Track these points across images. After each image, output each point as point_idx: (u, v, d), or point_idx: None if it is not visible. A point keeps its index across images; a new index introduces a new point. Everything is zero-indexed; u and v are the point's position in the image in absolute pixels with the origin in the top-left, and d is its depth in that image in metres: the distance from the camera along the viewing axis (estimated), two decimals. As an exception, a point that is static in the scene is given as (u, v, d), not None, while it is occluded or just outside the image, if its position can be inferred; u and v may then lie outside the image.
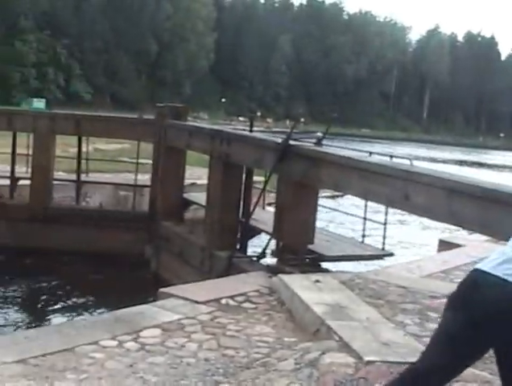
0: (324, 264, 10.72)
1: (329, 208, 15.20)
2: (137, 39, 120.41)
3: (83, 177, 18.00)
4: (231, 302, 7.97)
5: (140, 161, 17.06)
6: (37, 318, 12.64)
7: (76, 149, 17.58)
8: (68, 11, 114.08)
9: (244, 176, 13.19)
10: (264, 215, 13.44)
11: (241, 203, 13.17)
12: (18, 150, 17.41)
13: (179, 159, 15.51)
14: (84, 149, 18.29)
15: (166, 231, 15.03)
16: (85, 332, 6.79)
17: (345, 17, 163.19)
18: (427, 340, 5.66)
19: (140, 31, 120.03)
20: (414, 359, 5.60)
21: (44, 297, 13.69)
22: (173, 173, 15.43)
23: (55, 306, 13.14)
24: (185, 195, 15.93)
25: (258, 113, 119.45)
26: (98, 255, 15.41)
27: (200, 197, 15.96)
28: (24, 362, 5.93)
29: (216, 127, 16.82)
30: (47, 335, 6.74)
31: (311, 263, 10.55)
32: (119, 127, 16.84)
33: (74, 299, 13.57)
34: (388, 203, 9.46)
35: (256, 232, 13.16)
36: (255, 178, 14.02)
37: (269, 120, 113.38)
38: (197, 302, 7.87)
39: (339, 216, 19.20)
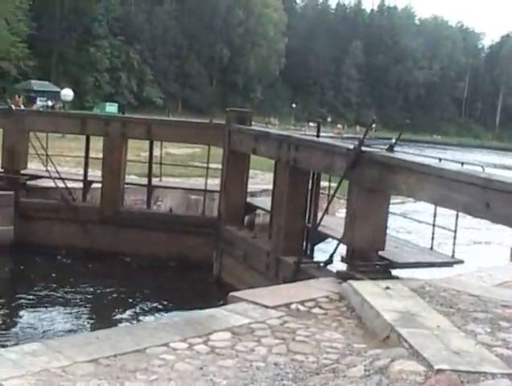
0: (394, 271, 10.61)
1: (398, 215, 15.04)
2: (209, 44, 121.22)
3: (155, 181, 18.14)
4: (301, 308, 7.96)
5: (211, 165, 17.10)
6: (105, 319, 12.80)
7: (148, 154, 17.72)
8: (141, 17, 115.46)
9: (311, 182, 13.13)
10: (331, 220, 13.37)
11: (308, 208, 13.11)
12: (95, 154, 17.60)
13: (243, 164, 15.51)
14: (157, 153, 18.43)
15: (230, 235, 15.05)
16: (156, 334, 6.84)
17: (417, 22, 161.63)
18: (499, 350, 5.57)
19: (212, 37, 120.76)
20: (484, 369, 5.55)
21: (112, 298, 13.86)
22: (237, 177, 15.44)
23: (123, 308, 13.29)
24: (248, 200, 15.92)
25: (329, 119, 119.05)
26: (167, 259, 15.55)
27: (264, 201, 15.97)
28: (96, 362, 6.01)
29: (283, 132, 16.79)
30: (118, 336, 6.81)
31: (381, 269, 10.46)
32: (189, 132, 16.91)
33: (141, 302, 13.70)
34: (466, 211, 9.28)
35: (322, 237, 13.09)
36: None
37: (339, 126, 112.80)
38: (267, 307, 7.87)
39: (399, 222, 18.96)
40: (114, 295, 14.02)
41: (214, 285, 14.86)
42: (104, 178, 16.85)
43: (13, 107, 18.33)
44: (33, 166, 17.85)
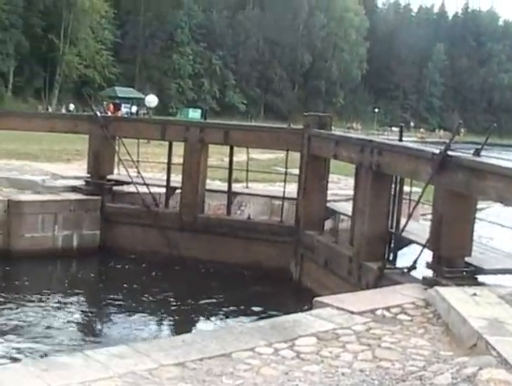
0: (480, 277, 10.42)
1: (485, 220, 14.76)
2: (290, 49, 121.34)
3: (239, 187, 18.19)
4: (386, 314, 7.89)
5: (293, 171, 17.03)
6: (188, 323, 12.88)
7: (233, 159, 17.72)
8: (223, 23, 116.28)
9: (393, 186, 12.99)
10: (414, 225, 13.19)
11: (391, 213, 12.97)
12: (179, 160, 17.71)
13: (323, 168, 15.41)
14: (241, 158, 18.45)
15: (310, 240, 14.97)
16: (242, 338, 6.87)
17: (501, 24, 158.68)
18: None
19: (293, 41, 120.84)
20: None
21: (193, 303, 13.95)
22: (317, 182, 15.34)
23: (204, 313, 13.36)
24: (328, 205, 15.81)
25: (412, 124, 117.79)
26: (244, 266, 15.57)
27: (344, 206, 15.84)
28: (182, 365, 6.07)
29: (365, 137, 16.55)
30: (204, 340, 6.86)
31: (468, 276, 10.28)
32: (267, 137, 16.84)
33: (222, 307, 13.75)
34: None
35: (405, 243, 12.93)
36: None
37: (422, 130, 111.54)
38: (352, 312, 7.83)
39: (484, 228, 18.53)
40: (194, 300, 14.11)
41: (295, 290, 14.83)
42: (183, 183, 16.95)
43: (98, 113, 18.62)
44: (122, 171, 18.08)
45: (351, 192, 15.46)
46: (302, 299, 12.30)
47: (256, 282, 14.97)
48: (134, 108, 73.57)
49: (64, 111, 73.49)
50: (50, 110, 76.27)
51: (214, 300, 14.08)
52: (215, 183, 18.67)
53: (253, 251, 16.00)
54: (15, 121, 20.16)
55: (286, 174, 16.52)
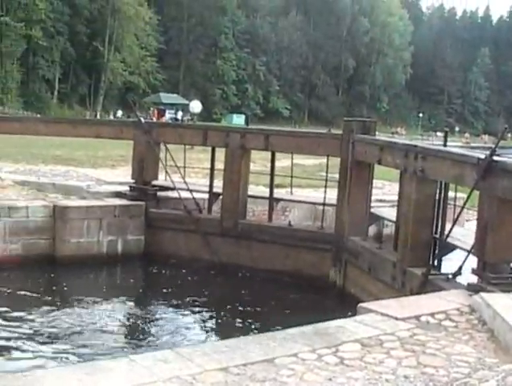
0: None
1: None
2: (334, 54, 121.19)
3: (283, 192, 18.17)
4: (431, 320, 7.82)
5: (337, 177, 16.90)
6: (230, 329, 12.87)
7: (276, 165, 17.69)
8: (267, 28, 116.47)
9: (438, 191, 12.88)
10: (459, 231, 13.07)
11: (435, 218, 12.87)
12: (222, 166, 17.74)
13: (367, 174, 15.32)
14: (286, 164, 18.38)
15: (354, 246, 14.89)
16: (285, 344, 6.86)
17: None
18: None
19: (337, 46, 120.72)
20: None
21: (234, 309, 13.95)
22: (361, 188, 15.25)
23: (246, 319, 13.34)
24: (372, 210, 15.70)
25: (456, 128, 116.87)
26: (283, 272, 15.55)
27: (388, 212, 15.73)
28: (226, 370, 6.08)
29: (410, 142, 16.40)
30: (247, 345, 6.86)
31: (514, 282, 10.16)
32: (307, 142, 16.75)
33: (263, 313, 13.73)
34: None
35: (450, 248, 12.81)
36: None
37: (467, 135, 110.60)
38: (396, 318, 7.78)
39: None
40: (235, 306, 14.12)
41: (338, 296, 14.77)
42: (224, 189, 16.95)
43: (142, 119, 18.76)
44: (172, 177, 18.16)
45: (395, 197, 15.36)
46: (345, 305, 12.25)
47: (297, 289, 14.94)
48: (180, 114, 73.96)
49: (112, 117, 74.28)
50: (99, 116, 77.06)
51: (255, 306, 14.08)
52: (259, 189, 18.68)
53: (294, 257, 15.96)
54: (62, 128, 20.42)
55: (326, 180, 16.43)
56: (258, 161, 20.55)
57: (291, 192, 18.34)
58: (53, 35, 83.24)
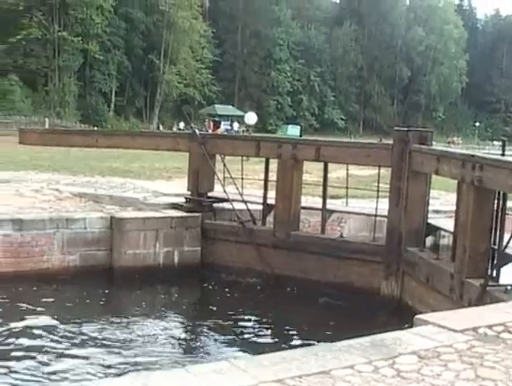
0: None
1: None
2: (389, 63, 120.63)
3: (338, 203, 18.09)
4: (489, 332, 7.70)
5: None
6: (283, 340, 12.85)
7: (332, 175, 17.66)
8: (321, 39, 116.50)
9: (496, 202, 12.70)
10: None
11: (494, 229, 12.69)
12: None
13: (423, 184, 15.16)
14: (341, 174, 18.28)
15: (411, 257, 14.73)
16: (341, 356, 6.81)
17: None
18: None
19: (392, 56, 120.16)
20: None
21: (289, 320, 13.95)
22: (417, 198, 15.08)
23: (300, 331, 13.31)
24: (429, 221, 15.52)
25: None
26: (337, 285, 15.45)
27: (445, 222, 15.55)
28: (281, 382, 6.05)
29: (467, 152, 16.24)
30: (303, 357, 6.83)
31: None
32: (358, 153, 16.60)
33: (317, 325, 13.68)
34: None
35: (508, 259, 12.61)
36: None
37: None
38: (454, 330, 7.68)
39: None
40: (289, 317, 14.11)
41: (395, 308, 14.64)
42: (277, 201, 16.92)
43: (198, 132, 18.88)
44: (226, 189, 18.24)
45: (452, 208, 15.18)
46: (402, 317, 12.15)
47: (350, 301, 14.84)
48: (236, 126, 74.32)
49: (174, 129, 74.97)
50: (161, 128, 77.83)
51: (309, 317, 14.05)
52: (314, 200, 18.62)
53: (345, 269, 15.85)
54: (121, 140, 20.70)
55: (378, 190, 16.29)
56: (315, 172, 20.48)
57: (347, 203, 18.26)
58: (109, 49, 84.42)
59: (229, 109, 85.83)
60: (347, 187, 18.02)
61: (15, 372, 9.96)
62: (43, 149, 28.23)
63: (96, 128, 61.49)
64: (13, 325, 12.11)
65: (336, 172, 19.32)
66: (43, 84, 77.70)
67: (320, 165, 17.41)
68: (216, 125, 71.63)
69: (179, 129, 73.76)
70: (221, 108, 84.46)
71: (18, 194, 18.29)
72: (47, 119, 64.26)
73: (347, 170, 18.13)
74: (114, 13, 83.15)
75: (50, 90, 76.91)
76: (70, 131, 34.06)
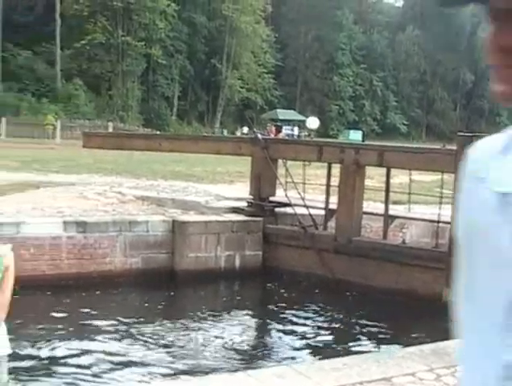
0: None
1: None
2: (452, 68, 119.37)
3: (400, 208, 17.93)
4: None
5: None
6: (343, 345, 12.77)
7: (394, 181, 17.50)
8: (383, 44, 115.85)
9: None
10: None
11: None
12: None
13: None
14: (403, 180, 18.08)
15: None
16: (402, 363, 6.76)
17: None
18: None
19: (455, 60, 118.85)
20: None
21: (348, 326, 13.87)
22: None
23: (360, 337, 13.22)
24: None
25: None
26: (398, 291, 15.28)
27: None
28: (342, 388, 6.04)
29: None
30: (364, 363, 6.80)
31: None
32: (421, 158, 16.40)
33: (380, 331, 13.57)
34: None
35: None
36: None
37: None
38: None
39: None
40: (349, 323, 14.03)
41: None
42: (339, 206, 16.80)
43: (260, 136, 18.93)
44: (289, 193, 18.24)
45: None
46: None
47: (411, 307, 14.65)
48: (296, 130, 74.25)
49: (238, 134, 75.42)
50: (225, 133, 78.31)
51: (369, 323, 13.94)
52: (376, 206, 18.49)
53: (407, 276, 15.67)
54: (184, 144, 20.85)
55: (441, 196, 16.08)
56: (376, 177, 20.36)
57: (409, 209, 18.07)
58: (172, 54, 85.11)
59: (291, 114, 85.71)
60: (409, 193, 17.82)
61: (75, 374, 10.08)
62: (106, 153, 28.59)
63: (158, 132, 62.04)
64: (75, 326, 12.27)
65: (399, 177, 19.14)
66: (107, 88, 78.67)
67: (382, 170, 17.29)
68: (278, 130, 71.65)
69: (243, 134, 74.02)
70: (283, 113, 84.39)
71: (82, 196, 18.54)
72: (110, 123, 65.00)
73: (410, 175, 17.96)
74: (178, 18, 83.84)
75: (113, 94, 77.83)
76: (133, 135, 34.40)
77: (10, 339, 6.53)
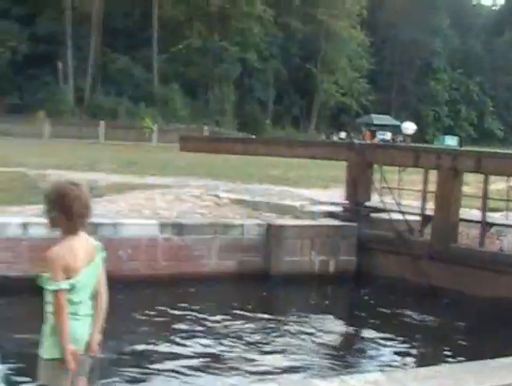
0: None
1: None
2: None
3: (497, 216, 17.61)
4: None
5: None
6: (435, 353, 12.60)
7: (491, 187, 17.19)
8: (480, 48, 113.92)
9: None
10: None
11: None
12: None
13: None
14: (500, 186, 17.77)
15: None
16: (498, 373, 6.65)
17: None
18: None
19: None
20: None
21: (440, 334, 13.69)
22: None
23: (452, 345, 12.98)
24: None
25: None
26: (495, 299, 14.97)
27: None
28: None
29: None
30: (458, 372, 6.72)
31: None
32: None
33: (473, 340, 13.32)
34: None
35: None
36: None
37: None
38: None
39: None
40: (444, 331, 13.85)
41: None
42: (435, 212, 16.58)
43: (356, 141, 18.89)
44: (384, 199, 18.12)
45: None
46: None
47: (510, 316, 14.37)
48: (388, 135, 73.77)
49: (335, 138, 75.53)
50: (323, 138, 78.47)
51: (465, 331, 13.74)
52: (471, 213, 18.19)
53: (505, 285, 15.36)
54: (280, 148, 20.95)
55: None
56: (473, 183, 20.03)
57: (506, 216, 17.73)
58: (267, 58, 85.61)
59: (386, 119, 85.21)
60: (507, 200, 17.50)
61: (177, 372, 10.24)
62: (201, 156, 28.96)
63: (253, 136, 62.53)
64: (174, 326, 12.47)
65: (496, 184, 18.78)
66: (203, 92, 79.73)
67: (479, 176, 17.04)
68: (373, 135, 71.33)
69: (340, 139, 73.93)
70: (378, 118, 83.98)
71: (178, 199, 18.80)
72: (205, 127, 65.79)
73: (508, 182, 17.63)
74: (274, 23, 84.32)
75: (209, 98, 78.80)
76: (229, 139, 34.77)
77: (111, 338, 6.67)
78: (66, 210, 5.38)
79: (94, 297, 5.60)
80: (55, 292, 5.31)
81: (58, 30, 73.15)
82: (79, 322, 5.46)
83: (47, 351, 5.45)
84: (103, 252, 5.68)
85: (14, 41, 69.71)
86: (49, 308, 5.43)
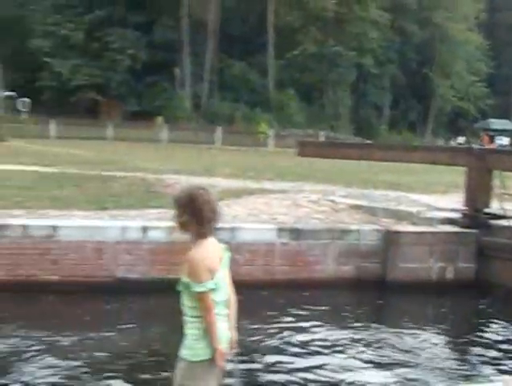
0: None
1: None
2: None
3: None
4: None
5: None
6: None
7: None
8: None
9: None
10: None
11: None
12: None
13: None
14: None
15: None
16: None
17: None
18: None
19: None
20: None
21: None
22: None
23: None
24: None
25: None
26: None
27: None
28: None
29: None
30: None
31: None
32: None
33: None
34: None
35: None
36: None
37: None
38: None
39: None
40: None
41: None
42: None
43: (475, 146, 18.55)
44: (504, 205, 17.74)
45: None
46: None
47: None
48: (507, 141, 72.11)
49: (452, 143, 74.42)
50: (442, 143, 77.48)
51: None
52: None
53: None
54: (396, 153, 20.77)
55: None
56: None
57: None
58: (383, 63, 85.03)
59: (504, 123, 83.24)
60: None
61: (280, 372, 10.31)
62: (317, 161, 29.01)
63: (369, 141, 62.12)
64: (284, 332, 12.52)
65: None
66: (318, 97, 79.83)
67: None
68: (491, 140, 69.83)
69: (459, 144, 72.66)
70: (496, 123, 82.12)
71: (295, 204, 18.90)
72: (322, 132, 65.81)
73: None
74: (390, 27, 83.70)
75: (324, 103, 78.83)
76: (346, 144, 34.71)
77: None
78: (196, 214, 5.51)
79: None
80: (202, 294, 5.41)
81: (175, 37, 74.67)
82: (221, 322, 5.57)
83: (197, 353, 5.51)
84: (229, 252, 5.80)
85: (133, 49, 71.46)
86: (192, 312, 5.53)
